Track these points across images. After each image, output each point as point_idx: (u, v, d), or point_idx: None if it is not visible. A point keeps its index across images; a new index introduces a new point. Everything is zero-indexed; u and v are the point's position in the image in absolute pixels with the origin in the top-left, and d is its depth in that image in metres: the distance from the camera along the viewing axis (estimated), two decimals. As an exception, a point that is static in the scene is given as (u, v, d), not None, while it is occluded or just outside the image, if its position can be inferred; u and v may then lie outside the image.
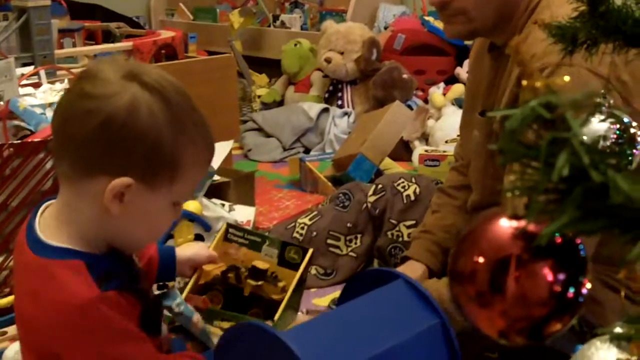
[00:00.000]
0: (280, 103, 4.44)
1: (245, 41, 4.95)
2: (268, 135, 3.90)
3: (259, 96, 4.54)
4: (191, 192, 1.36)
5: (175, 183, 1.26)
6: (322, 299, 2.29)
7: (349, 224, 2.46)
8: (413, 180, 2.46)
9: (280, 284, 1.82)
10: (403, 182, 2.45)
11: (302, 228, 2.46)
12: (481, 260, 0.71)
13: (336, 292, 2.22)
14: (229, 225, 1.93)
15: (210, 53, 4.70)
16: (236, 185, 2.65)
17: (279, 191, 3.21)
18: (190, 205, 2.18)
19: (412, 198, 2.40)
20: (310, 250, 1.87)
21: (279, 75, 4.61)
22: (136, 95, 1.21)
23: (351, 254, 2.45)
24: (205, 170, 1.35)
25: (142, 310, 1.30)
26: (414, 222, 2.36)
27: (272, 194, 3.15)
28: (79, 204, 1.26)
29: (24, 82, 2.55)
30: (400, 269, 2.12)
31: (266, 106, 4.41)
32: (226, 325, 1.72)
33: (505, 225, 0.72)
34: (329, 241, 2.46)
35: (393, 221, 2.40)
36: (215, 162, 2.46)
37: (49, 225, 1.29)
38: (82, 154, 1.22)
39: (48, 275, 1.24)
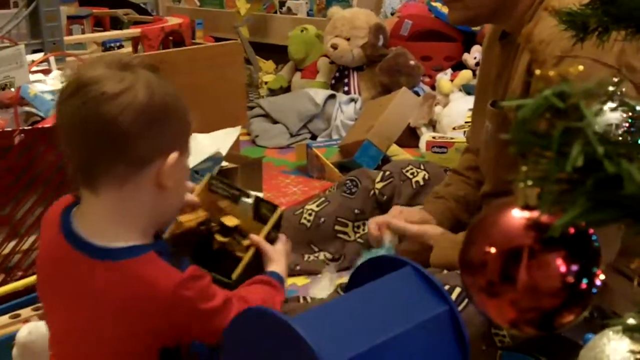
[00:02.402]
0: (286, 89, 4.43)
1: (251, 27, 4.95)
2: (275, 122, 3.90)
3: (266, 82, 4.55)
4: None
5: (189, 142, 1.38)
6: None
7: (356, 210, 2.46)
8: (421, 166, 2.47)
9: (245, 242, 1.80)
10: (411, 169, 2.45)
11: (310, 214, 2.47)
12: (493, 250, 0.71)
13: (343, 278, 2.23)
14: (212, 178, 1.91)
15: (217, 39, 4.70)
16: (244, 171, 2.66)
17: (286, 177, 3.22)
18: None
19: (421, 184, 2.41)
20: (279, 210, 1.84)
21: (286, 61, 4.61)
22: (146, 78, 1.28)
23: (359, 240, 2.45)
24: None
25: None
26: (422, 207, 2.36)
27: (279, 180, 3.16)
28: (138, 197, 1.30)
29: (34, 68, 2.56)
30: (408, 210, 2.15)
31: (273, 92, 4.41)
32: None
33: (517, 215, 0.72)
34: (337, 227, 2.46)
35: (402, 206, 2.40)
36: (223, 148, 2.47)
37: (103, 228, 1.31)
38: (134, 149, 1.26)
39: (131, 275, 1.28)
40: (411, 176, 2.44)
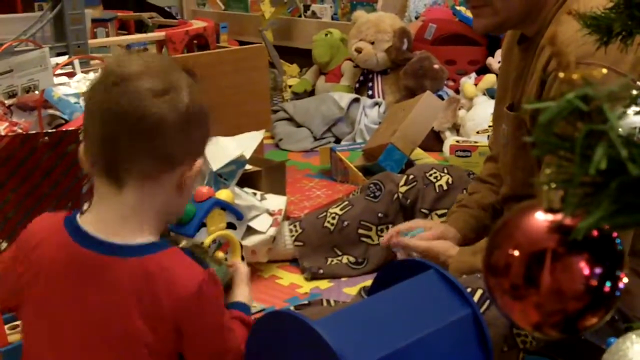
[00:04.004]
0: (311, 93, 4.44)
1: (276, 31, 4.96)
2: (299, 125, 3.91)
3: (290, 86, 4.55)
4: None
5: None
6: (352, 288, 2.30)
7: (380, 214, 2.47)
8: (445, 170, 2.47)
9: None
10: (435, 173, 2.46)
11: (334, 218, 2.47)
12: (516, 253, 0.71)
13: (366, 281, 2.23)
14: None
15: (242, 43, 4.71)
16: (267, 175, 2.66)
17: (310, 180, 3.22)
18: (223, 194, 2.19)
19: (445, 188, 2.41)
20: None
21: (310, 65, 4.61)
22: (188, 81, 1.31)
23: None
24: None
25: None
26: (445, 211, 2.36)
27: (303, 184, 3.15)
28: (158, 195, 1.31)
29: (59, 71, 2.57)
30: (433, 227, 2.15)
31: (297, 96, 4.41)
32: None
33: (541, 218, 0.71)
34: (360, 231, 2.46)
35: (424, 211, 2.40)
36: (247, 152, 2.47)
37: (121, 226, 1.30)
38: (167, 149, 1.27)
39: (159, 268, 1.28)
40: (434, 180, 2.44)
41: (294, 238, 2.46)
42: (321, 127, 3.82)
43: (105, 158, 1.28)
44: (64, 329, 1.33)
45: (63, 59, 2.78)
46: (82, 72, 2.65)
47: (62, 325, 1.33)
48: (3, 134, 2.13)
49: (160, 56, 1.38)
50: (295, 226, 2.49)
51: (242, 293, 1.57)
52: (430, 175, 2.45)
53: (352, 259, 2.44)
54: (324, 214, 2.51)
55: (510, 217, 0.76)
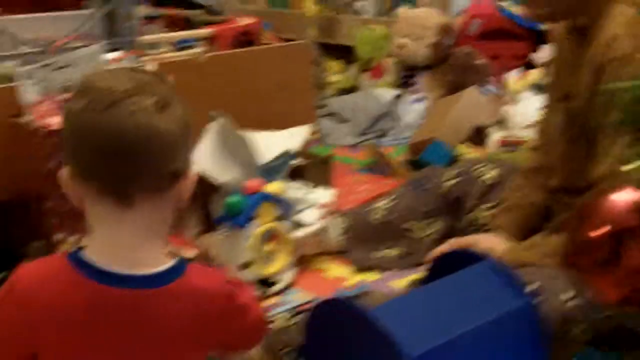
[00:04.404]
0: (354, 89, 4.44)
1: (319, 28, 4.97)
2: (343, 121, 3.92)
3: (334, 82, 4.56)
4: None
5: None
6: (399, 281, 2.31)
7: (425, 208, 2.47)
8: (491, 165, 2.46)
9: None
10: (481, 168, 2.45)
11: (380, 211, 2.48)
12: (602, 230, 0.71)
13: (413, 275, 2.24)
14: None
15: (285, 40, 4.73)
16: (314, 169, 2.68)
17: (355, 175, 3.23)
18: (272, 187, 2.21)
19: (491, 182, 2.40)
20: None
21: (353, 61, 4.62)
22: (174, 91, 1.25)
23: (428, 237, 2.45)
24: None
25: None
26: (492, 205, 2.36)
27: (348, 178, 3.17)
28: (164, 214, 1.26)
29: (110, 67, 2.59)
30: (483, 238, 2.15)
31: (341, 92, 4.42)
32: None
33: (625, 196, 0.72)
34: (406, 224, 2.47)
35: (471, 205, 2.40)
36: (295, 146, 2.49)
37: (138, 254, 1.23)
38: (176, 161, 1.23)
39: (192, 290, 1.25)
40: (480, 175, 2.43)
41: (341, 231, 2.48)
42: (365, 123, 3.83)
43: (112, 178, 1.19)
44: None
45: (113, 55, 2.82)
46: (132, 67, 2.68)
47: None
48: (56, 127, 2.16)
49: (139, 70, 1.32)
50: (342, 219, 2.50)
51: None
52: (476, 169, 2.45)
53: (398, 252, 2.45)
54: (370, 208, 2.52)
55: (594, 196, 0.77)
